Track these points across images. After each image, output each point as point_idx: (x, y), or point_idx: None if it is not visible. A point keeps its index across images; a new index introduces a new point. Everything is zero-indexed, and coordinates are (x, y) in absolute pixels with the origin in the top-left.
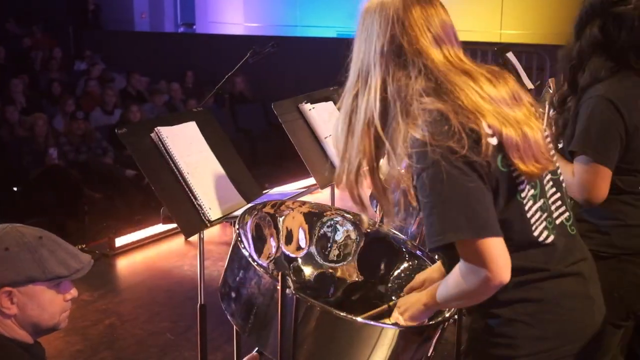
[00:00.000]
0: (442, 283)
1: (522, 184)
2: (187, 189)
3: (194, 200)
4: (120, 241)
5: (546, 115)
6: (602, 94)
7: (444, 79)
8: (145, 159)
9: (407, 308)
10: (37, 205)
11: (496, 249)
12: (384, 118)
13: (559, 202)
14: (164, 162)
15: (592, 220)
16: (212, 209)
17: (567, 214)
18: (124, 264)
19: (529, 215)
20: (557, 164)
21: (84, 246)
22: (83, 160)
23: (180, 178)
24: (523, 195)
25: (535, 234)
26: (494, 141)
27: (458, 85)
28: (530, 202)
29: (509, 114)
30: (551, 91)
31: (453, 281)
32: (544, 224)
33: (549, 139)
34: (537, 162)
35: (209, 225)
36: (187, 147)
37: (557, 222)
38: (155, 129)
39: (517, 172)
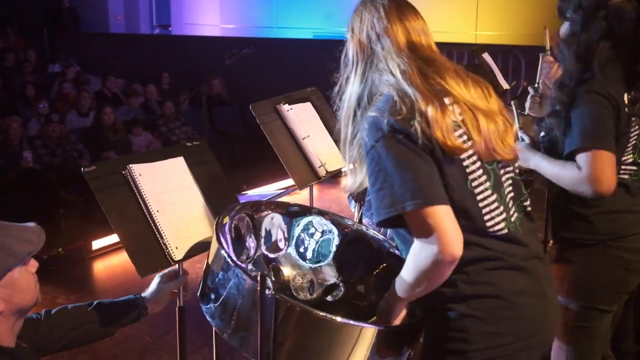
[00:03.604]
0: (398, 278)
1: (471, 174)
2: (153, 227)
3: (159, 239)
4: (97, 244)
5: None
6: (596, 90)
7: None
8: (109, 197)
9: (380, 317)
10: (11, 208)
11: (446, 220)
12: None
13: (512, 202)
14: (132, 198)
15: (577, 209)
16: (178, 248)
17: (516, 214)
18: (101, 267)
19: (482, 205)
20: (516, 164)
21: (60, 250)
22: (58, 163)
23: (147, 216)
24: (474, 184)
25: (489, 224)
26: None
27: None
28: (487, 193)
29: (469, 100)
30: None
31: (408, 267)
32: (503, 215)
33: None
34: (486, 147)
35: (172, 263)
36: (165, 183)
37: (512, 219)
38: (128, 166)
39: (467, 162)
